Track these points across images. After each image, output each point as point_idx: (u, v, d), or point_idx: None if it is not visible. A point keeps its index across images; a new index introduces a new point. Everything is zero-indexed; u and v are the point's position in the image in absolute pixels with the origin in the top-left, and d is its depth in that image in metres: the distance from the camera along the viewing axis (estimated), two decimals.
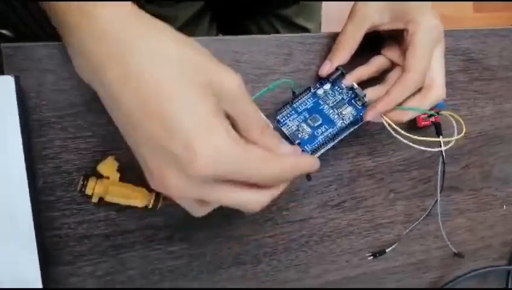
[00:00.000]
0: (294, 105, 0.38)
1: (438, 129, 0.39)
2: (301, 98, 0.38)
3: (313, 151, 0.36)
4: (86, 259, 0.36)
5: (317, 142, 0.36)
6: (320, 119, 0.37)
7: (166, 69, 0.23)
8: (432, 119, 0.40)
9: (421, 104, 0.35)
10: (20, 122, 0.32)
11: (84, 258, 0.36)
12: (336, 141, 0.37)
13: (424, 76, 0.35)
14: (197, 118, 0.22)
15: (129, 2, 0.25)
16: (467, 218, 0.47)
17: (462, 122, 0.36)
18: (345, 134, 0.37)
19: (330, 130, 0.36)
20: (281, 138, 0.29)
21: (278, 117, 0.37)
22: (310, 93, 0.38)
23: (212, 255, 0.38)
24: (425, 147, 0.36)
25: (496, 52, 0.46)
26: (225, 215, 0.38)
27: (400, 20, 0.35)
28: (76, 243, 0.35)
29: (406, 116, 0.36)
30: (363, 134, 0.42)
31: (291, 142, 0.36)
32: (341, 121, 0.37)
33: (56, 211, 0.35)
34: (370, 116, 0.35)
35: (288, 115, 0.37)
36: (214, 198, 0.25)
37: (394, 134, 0.35)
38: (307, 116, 0.37)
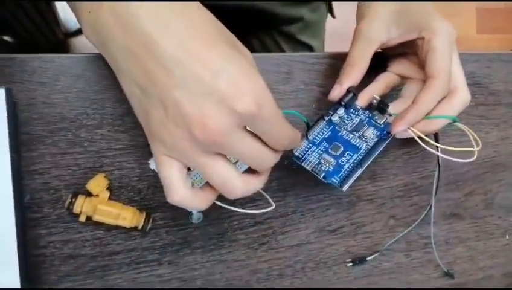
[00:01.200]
0: (310, 137, 0.35)
1: (436, 138, 0.37)
2: (316, 128, 0.35)
3: (342, 183, 0.33)
4: (71, 280, 0.34)
5: (344, 172, 0.33)
6: (342, 146, 0.34)
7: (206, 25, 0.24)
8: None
9: (449, 111, 0.34)
10: (10, 136, 0.31)
11: (69, 279, 0.34)
12: (365, 167, 0.34)
13: (449, 80, 0.34)
14: (239, 63, 0.23)
15: None
16: (467, 247, 0.45)
17: (478, 138, 0.35)
18: (372, 157, 0.35)
19: (355, 155, 0.34)
20: None
21: (296, 154, 0.34)
22: (325, 122, 0.36)
23: (202, 280, 0.37)
24: (457, 158, 0.34)
25: (501, 77, 0.45)
26: (217, 238, 0.37)
27: (412, 30, 0.34)
28: (62, 263, 0.34)
29: (435, 125, 0.34)
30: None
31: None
32: (365, 144, 0.34)
33: (42, 229, 0.33)
34: (399, 127, 0.33)
35: (306, 149, 0.35)
36: (246, 143, 0.25)
37: (425, 146, 0.33)
38: (327, 146, 0.35)
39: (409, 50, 0.36)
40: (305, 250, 0.39)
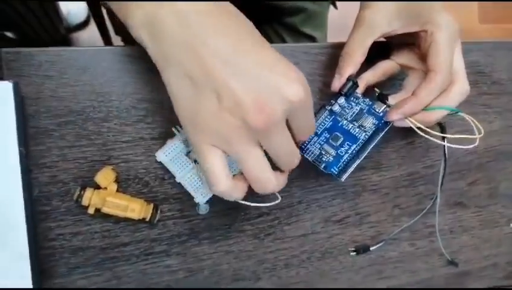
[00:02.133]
0: None
1: (442, 129, 0.37)
2: (318, 118, 0.36)
3: (340, 173, 0.34)
4: (81, 271, 0.35)
5: (343, 162, 0.34)
6: (342, 137, 0.35)
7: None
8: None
9: (448, 102, 0.34)
10: (18, 130, 0.31)
11: (78, 271, 0.35)
12: (362, 157, 0.35)
13: (450, 74, 0.34)
14: (282, 57, 0.26)
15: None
16: (472, 235, 0.45)
17: (480, 126, 0.35)
18: (370, 147, 0.35)
19: (354, 146, 0.35)
20: None
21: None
22: (327, 111, 0.36)
23: (210, 270, 0.37)
24: (459, 145, 0.34)
25: (504, 65, 0.45)
26: (224, 229, 0.37)
27: (415, 23, 0.34)
28: (71, 255, 0.34)
29: (434, 117, 0.34)
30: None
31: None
32: (364, 134, 0.35)
33: (51, 222, 0.34)
34: (395, 115, 0.33)
35: (309, 140, 0.36)
36: (286, 136, 0.27)
37: (424, 135, 0.33)
38: (328, 136, 0.35)
39: (412, 41, 0.36)
40: (310, 240, 0.40)
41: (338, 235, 0.41)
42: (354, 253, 0.41)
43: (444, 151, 0.36)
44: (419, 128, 0.34)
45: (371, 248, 0.41)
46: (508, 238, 0.47)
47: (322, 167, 0.34)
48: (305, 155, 0.35)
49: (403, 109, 0.33)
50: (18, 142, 0.31)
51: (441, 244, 0.42)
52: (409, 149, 0.42)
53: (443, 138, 0.35)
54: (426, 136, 0.33)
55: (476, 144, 0.34)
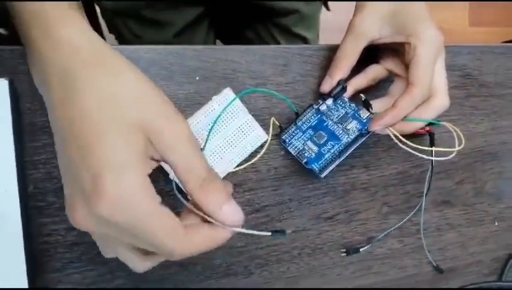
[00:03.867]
0: (299, 123, 0.37)
1: (431, 139, 0.39)
2: (304, 115, 0.38)
3: (321, 170, 0.36)
4: (75, 266, 0.35)
5: (324, 161, 0.36)
6: (326, 136, 0.37)
7: (103, 104, 0.22)
8: (427, 128, 0.39)
9: (426, 114, 0.36)
10: (13, 126, 0.32)
11: (73, 265, 0.35)
12: (343, 158, 0.37)
13: (429, 88, 0.35)
14: (114, 156, 0.21)
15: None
16: (458, 233, 0.47)
17: (462, 136, 0.36)
18: (351, 149, 0.37)
19: (336, 146, 0.36)
20: (230, 194, 0.25)
21: (283, 137, 0.37)
22: (314, 110, 0.38)
23: (202, 265, 0.38)
24: (425, 155, 0.35)
25: (492, 69, 0.46)
26: None
27: (401, 33, 0.36)
28: (66, 250, 0.35)
29: (412, 127, 0.36)
30: (358, 147, 0.41)
31: (299, 162, 0.37)
32: (346, 136, 0.36)
33: (46, 217, 0.34)
34: (376, 127, 0.35)
35: (293, 134, 0.37)
36: (113, 246, 0.24)
37: (401, 145, 0.35)
38: (312, 133, 0.37)
39: (400, 48, 0.37)
40: (301, 236, 0.41)
41: (328, 232, 0.42)
42: (345, 254, 0.42)
43: (432, 163, 0.38)
44: (397, 138, 0.35)
45: (361, 249, 0.42)
46: (493, 236, 0.48)
47: (304, 161, 0.36)
48: (288, 148, 0.37)
49: (383, 120, 0.35)
50: (14, 139, 0.32)
51: (425, 247, 0.43)
52: (398, 149, 0.43)
53: (431, 144, 0.37)
54: (402, 145, 0.35)
55: (452, 156, 0.35)
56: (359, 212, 0.42)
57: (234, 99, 0.35)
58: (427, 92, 0.35)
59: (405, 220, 0.43)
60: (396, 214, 0.43)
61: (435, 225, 0.45)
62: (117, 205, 0.21)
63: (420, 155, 0.35)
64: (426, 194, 0.40)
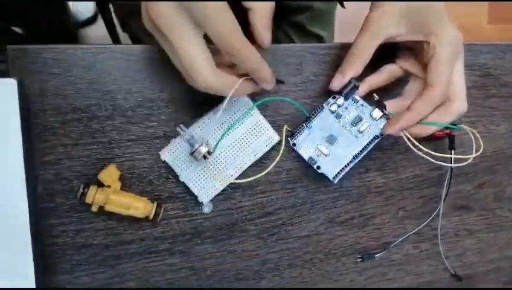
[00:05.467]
0: (310, 126, 0.36)
1: (451, 143, 0.38)
2: (315, 118, 0.36)
3: (334, 176, 0.35)
4: (84, 269, 0.35)
5: (337, 165, 0.35)
6: (338, 139, 0.35)
7: None
8: (447, 131, 0.38)
9: (443, 119, 0.34)
10: (22, 127, 0.31)
11: (81, 268, 0.35)
12: (357, 161, 0.35)
13: (447, 90, 0.34)
14: None
15: None
16: (477, 239, 0.45)
17: (480, 140, 0.35)
18: (365, 153, 0.35)
19: (349, 149, 0.35)
20: None
21: (294, 141, 0.36)
22: (324, 111, 0.36)
23: (213, 269, 0.37)
24: (441, 162, 0.34)
25: None
26: (227, 229, 0.37)
27: (419, 32, 0.34)
28: (75, 252, 0.34)
29: (427, 130, 0.35)
30: (373, 149, 0.40)
31: (311, 166, 0.36)
32: (360, 139, 0.35)
33: (55, 219, 0.34)
34: (391, 130, 0.34)
35: (304, 138, 0.36)
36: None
37: (414, 149, 0.33)
38: (324, 136, 0.36)
39: (417, 47, 0.36)
40: (314, 241, 0.40)
41: (342, 237, 0.40)
42: (360, 259, 0.41)
43: (451, 168, 0.37)
44: (411, 142, 0.34)
45: (376, 256, 0.41)
46: None
47: (316, 166, 0.35)
48: (300, 152, 0.36)
49: (399, 124, 0.33)
50: (22, 140, 0.31)
51: (442, 254, 0.41)
52: (415, 151, 0.42)
53: (451, 149, 0.36)
54: (416, 150, 0.34)
55: (468, 162, 0.35)
56: (374, 217, 0.41)
57: (252, 108, 0.34)
58: (444, 94, 0.34)
59: (423, 225, 0.41)
60: (412, 219, 0.42)
61: (453, 231, 0.44)
62: None
63: (435, 162, 0.34)
64: (444, 199, 0.39)
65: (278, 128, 0.36)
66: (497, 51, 0.44)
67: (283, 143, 0.36)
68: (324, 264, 0.40)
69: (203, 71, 0.28)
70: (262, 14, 0.29)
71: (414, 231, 0.41)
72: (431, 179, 0.42)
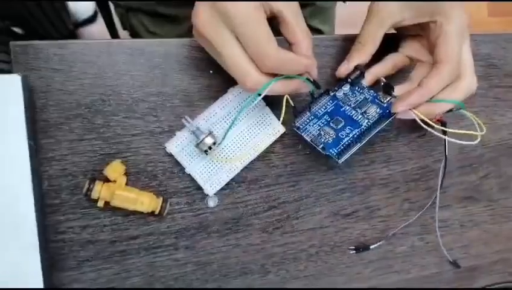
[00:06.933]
0: (313, 110, 0.36)
1: (443, 126, 0.37)
2: (319, 102, 0.36)
3: (339, 155, 0.34)
4: (90, 265, 0.35)
5: (342, 145, 0.34)
6: (343, 121, 0.35)
7: None
8: (438, 117, 0.36)
9: (453, 96, 0.34)
10: (27, 123, 0.31)
11: (88, 264, 0.35)
12: (363, 143, 0.35)
13: (458, 66, 0.33)
14: None
15: None
16: (482, 230, 0.45)
17: (483, 126, 0.34)
18: (372, 134, 0.35)
19: (355, 130, 0.34)
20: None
21: (297, 124, 0.35)
22: (329, 97, 0.36)
23: (218, 264, 0.37)
24: (459, 140, 0.34)
25: None
26: (233, 223, 0.37)
27: (424, 13, 0.34)
28: (81, 248, 0.34)
29: (439, 109, 0.34)
30: (378, 140, 0.40)
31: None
32: (366, 121, 0.34)
33: (61, 215, 0.34)
34: (400, 107, 0.33)
35: (308, 121, 0.35)
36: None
37: (427, 128, 0.33)
38: (329, 119, 0.35)
39: (421, 32, 0.36)
40: (319, 234, 0.40)
41: (347, 229, 0.40)
42: (354, 252, 0.41)
43: (445, 146, 0.36)
44: (422, 120, 0.33)
45: (371, 247, 0.41)
46: None
47: (320, 147, 0.34)
48: (303, 135, 0.35)
49: (407, 100, 0.33)
50: (27, 136, 0.31)
51: (440, 242, 0.41)
52: (420, 143, 0.42)
53: (444, 133, 0.35)
54: (429, 129, 0.33)
55: (477, 141, 0.34)
56: (379, 209, 0.41)
57: (257, 98, 0.33)
58: (455, 70, 0.33)
59: (417, 216, 0.41)
60: (418, 211, 0.42)
61: (458, 222, 0.44)
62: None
63: (453, 140, 0.33)
64: (441, 186, 0.38)
65: (280, 113, 0.36)
66: (500, 40, 0.44)
67: (283, 111, 0.33)
68: (330, 258, 0.40)
69: (251, 74, 0.29)
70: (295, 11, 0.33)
71: (405, 224, 0.41)
72: (436, 170, 0.42)
